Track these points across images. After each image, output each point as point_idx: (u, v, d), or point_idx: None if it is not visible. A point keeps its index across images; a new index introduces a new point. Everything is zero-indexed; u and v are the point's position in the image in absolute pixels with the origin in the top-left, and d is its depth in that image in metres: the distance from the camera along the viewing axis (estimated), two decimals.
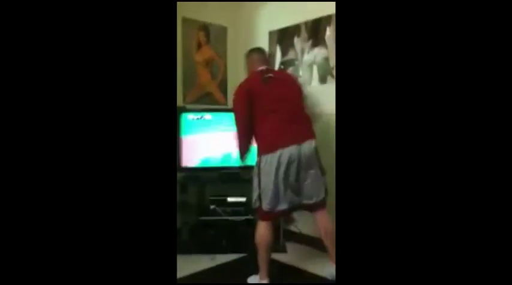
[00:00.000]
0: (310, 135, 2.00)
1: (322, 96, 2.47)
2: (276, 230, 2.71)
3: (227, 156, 2.73)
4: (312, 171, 1.96)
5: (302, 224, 2.67)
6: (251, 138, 2.03)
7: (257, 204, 2.01)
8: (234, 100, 2.08)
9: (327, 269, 2.12)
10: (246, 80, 2.12)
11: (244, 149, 2.06)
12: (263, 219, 2.01)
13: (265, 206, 1.96)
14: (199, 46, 3.05)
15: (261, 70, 2.10)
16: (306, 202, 2.00)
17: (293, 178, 1.93)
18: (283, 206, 1.96)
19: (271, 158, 1.91)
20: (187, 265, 2.38)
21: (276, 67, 2.88)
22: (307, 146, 1.94)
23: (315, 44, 2.61)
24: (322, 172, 2.02)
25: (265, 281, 2.02)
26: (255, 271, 2.10)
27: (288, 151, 1.88)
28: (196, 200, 2.84)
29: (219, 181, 2.74)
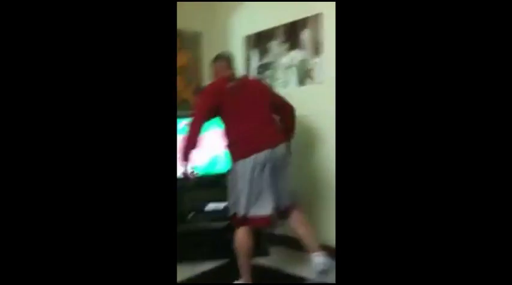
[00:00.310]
0: (281, 138, 2.02)
1: (301, 98, 2.46)
2: (257, 233, 2.64)
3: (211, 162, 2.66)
4: (285, 173, 2.00)
5: (284, 226, 2.60)
6: (198, 139, 1.94)
7: (232, 211, 1.98)
8: (199, 100, 2.04)
9: (314, 262, 1.96)
10: (214, 85, 2.09)
11: (190, 148, 1.94)
12: (239, 225, 1.97)
13: (241, 210, 1.92)
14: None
15: (228, 77, 2.08)
16: (285, 203, 1.99)
17: (268, 180, 1.91)
18: (264, 211, 1.90)
19: (246, 163, 1.90)
20: None
21: (254, 71, 2.87)
22: (280, 149, 1.97)
23: (292, 47, 2.62)
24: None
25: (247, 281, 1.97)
26: (238, 276, 2.03)
27: (262, 155, 1.89)
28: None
29: (198, 188, 2.65)
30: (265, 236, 2.62)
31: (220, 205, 2.64)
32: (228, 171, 2.02)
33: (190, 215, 2.58)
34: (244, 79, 2.22)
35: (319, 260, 1.89)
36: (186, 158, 1.95)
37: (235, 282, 2.05)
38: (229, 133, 1.98)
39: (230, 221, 2.06)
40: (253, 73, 2.88)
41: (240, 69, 2.92)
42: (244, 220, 1.93)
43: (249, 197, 1.90)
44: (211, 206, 2.65)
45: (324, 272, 1.88)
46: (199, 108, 1.99)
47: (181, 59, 3.03)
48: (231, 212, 2.00)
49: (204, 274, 2.29)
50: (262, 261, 2.42)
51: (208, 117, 1.96)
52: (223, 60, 2.20)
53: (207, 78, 3.11)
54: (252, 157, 1.88)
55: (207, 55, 3.11)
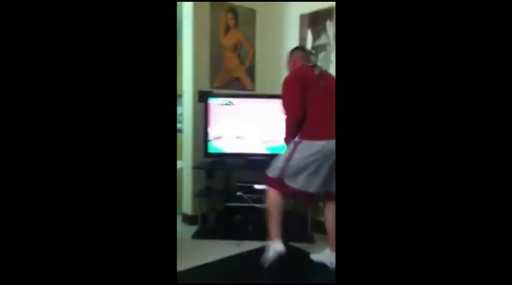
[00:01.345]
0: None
1: None
2: (304, 220, 2.69)
3: (255, 143, 2.70)
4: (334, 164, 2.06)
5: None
6: (301, 124, 2.06)
7: (276, 173, 2.05)
8: (286, 86, 2.09)
9: (327, 257, 2.19)
10: (298, 70, 2.14)
11: (293, 135, 2.08)
12: (278, 189, 2.06)
13: (291, 182, 2.02)
14: (227, 29, 2.99)
15: (311, 66, 2.15)
16: (332, 190, 2.08)
17: (325, 180, 2.02)
18: (311, 188, 2.02)
19: (314, 145, 1.98)
20: (214, 251, 2.38)
21: None
22: (334, 142, 2.02)
23: None
24: None
25: (279, 241, 2.07)
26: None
27: (328, 145, 1.96)
28: (223, 187, 2.83)
29: (246, 168, 2.72)
30: (310, 222, 2.66)
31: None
32: (290, 143, 2.08)
33: (239, 193, 2.66)
34: (324, 71, 2.26)
35: (332, 260, 2.13)
36: (289, 140, 2.10)
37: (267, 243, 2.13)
38: (306, 115, 2.05)
39: (265, 179, 2.15)
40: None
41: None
42: (286, 188, 2.03)
43: (305, 175, 1.99)
44: (259, 186, 2.71)
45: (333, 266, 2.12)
46: (288, 94, 2.06)
47: (235, 36, 3.03)
48: (273, 173, 2.08)
49: (249, 252, 2.39)
50: (307, 247, 2.47)
51: (302, 99, 2.02)
52: (300, 51, 2.29)
53: (259, 57, 3.09)
54: (324, 142, 1.96)
55: (261, 33, 3.08)
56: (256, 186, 2.71)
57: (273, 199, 2.10)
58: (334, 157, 2.00)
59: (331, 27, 2.63)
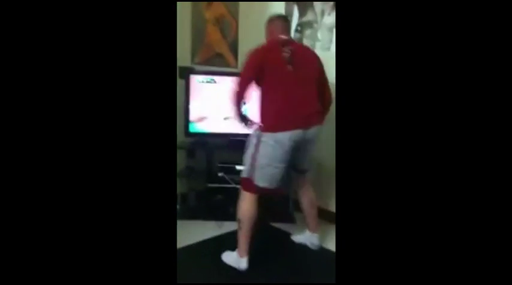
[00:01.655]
0: (318, 120, 1.96)
1: None
2: (284, 199, 2.67)
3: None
4: (309, 152, 2.03)
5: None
6: (242, 102, 1.98)
7: (245, 175, 1.95)
8: (247, 60, 1.95)
9: (308, 238, 2.21)
10: (265, 50, 1.95)
11: (239, 102, 1.97)
12: (250, 191, 1.93)
13: (260, 182, 1.90)
14: (209, 2, 2.83)
15: (282, 41, 1.96)
16: (303, 167, 2.08)
17: (293, 160, 1.95)
18: (282, 183, 1.97)
19: (279, 138, 1.84)
20: (195, 232, 2.35)
21: (292, 29, 2.69)
22: (312, 132, 1.93)
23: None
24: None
25: (244, 259, 1.95)
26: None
27: (295, 135, 1.85)
28: (204, 167, 2.76)
29: (228, 148, 2.65)
30: (291, 202, 2.65)
31: None
32: (253, 136, 1.95)
33: (220, 174, 2.61)
34: (298, 46, 2.09)
35: (313, 241, 2.20)
36: (238, 111, 2.00)
37: (226, 252, 2.05)
38: (267, 102, 1.90)
39: (240, 183, 2.04)
40: (291, 32, 2.70)
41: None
42: (258, 188, 1.92)
43: (273, 174, 1.89)
44: (241, 167, 2.66)
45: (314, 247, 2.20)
46: (246, 67, 1.93)
47: (218, 9, 2.88)
48: (244, 175, 1.97)
49: (231, 234, 2.36)
50: (286, 228, 2.47)
51: (253, 78, 1.90)
52: (280, 20, 2.06)
53: (243, 32, 2.96)
54: (287, 133, 1.83)
55: (245, 7, 2.93)
56: (238, 167, 2.65)
57: (246, 208, 1.93)
58: (304, 145, 1.93)
59: (318, 3, 2.52)
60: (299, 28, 2.66)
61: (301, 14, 2.63)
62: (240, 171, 2.63)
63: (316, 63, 2.01)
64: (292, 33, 2.70)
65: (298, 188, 2.20)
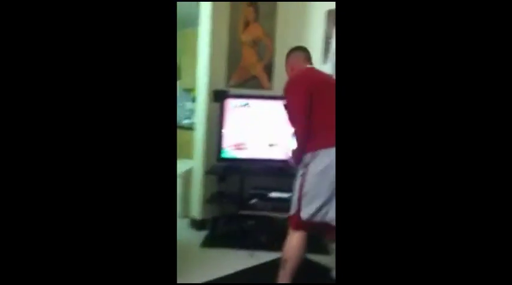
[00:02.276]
0: None
1: None
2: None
3: (272, 147, 2.54)
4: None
5: None
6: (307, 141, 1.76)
7: (293, 211, 1.77)
8: (291, 94, 1.81)
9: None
10: (302, 75, 1.87)
11: (301, 153, 1.78)
12: (298, 228, 1.76)
13: (306, 213, 1.70)
14: (246, 24, 2.80)
15: (310, 68, 1.92)
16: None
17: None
18: (332, 215, 1.70)
19: (324, 155, 1.66)
20: (225, 262, 2.25)
21: (333, 52, 2.61)
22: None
23: None
24: None
25: None
26: (297, 272, 1.87)
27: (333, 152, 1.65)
28: (236, 192, 2.68)
29: (262, 174, 2.56)
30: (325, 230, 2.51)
31: (285, 195, 2.54)
32: (299, 172, 1.81)
33: (253, 201, 2.51)
34: (325, 75, 1.99)
35: None
36: (298, 162, 1.81)
37: None
38: (310, 124, 1.74)
39: (288, 221, 1.86)
40: (330, 55, 2.62)
41: (319, 48, 2.68)
42: (306, 223, 1.72)
43: (322, 198, 1.68)
44: (275, 194, 2.56)
45: None
46: (294, 105, 1.77)
47: (255, 31, 2.84)
48: (291, 213, 1.81)
49: (263, 265, 2.25)
50: (320, 259, 2.32)
51: (308, 111, 1.72)
52: (300, 51, 2.00)
53: (279, 55, 2.90)
54: (332, 149, 1.63)
55: (281, 29, 2.88)
56: (272, 194, 2.55)
57: (294, 244, 1.76)
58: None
59: None
60: None
61: None
62: (273, 198, 2.54)
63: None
64: (333, 57, 2.62)
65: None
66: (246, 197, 2.58)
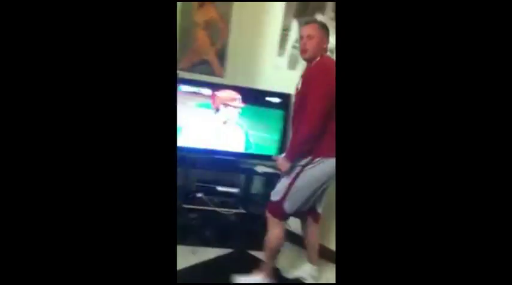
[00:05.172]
0: None
1: None
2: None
3: (223, 140, 2.41)
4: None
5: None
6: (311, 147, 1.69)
7: (277, 198, 1.78)
8: (321, 85, 1.59)
9: (306, 271, 2.05)
10: (334, 66, 1.60)
11: (300, 155, 1.71)
12: (279, 217, 1.81)
13: (290, 208, 1.78)
14: (201, 4, 2.59)
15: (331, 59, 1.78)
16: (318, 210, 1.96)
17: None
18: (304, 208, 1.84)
19: (324, 165, 1.69)
20: None
21: (290, 45, 2.53)
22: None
23: None
24: None
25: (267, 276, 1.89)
26: (244, 270, 1.93)
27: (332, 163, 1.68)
28: (180, 185, 2.51)
29: (210, 167, 2.43)
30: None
31: (233, 190, 2.45)
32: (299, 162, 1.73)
33: (199, 195, 2.38)
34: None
35: (313, 274, 2.02)
36: (292, 159, 1.71)
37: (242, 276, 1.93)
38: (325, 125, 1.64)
39: (267, 208, 1.85)
40: (287, 47, 2.54)
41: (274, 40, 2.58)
42: (287, 214, 1.81)
43: (305, 200, 1.78)
44: (222, 189, 2.45)
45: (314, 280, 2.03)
46: (322, 104, 1.59)
47: (210, 12, 2.64)
48: (273, 199, 1.81)
49: (208, 263, 2.14)
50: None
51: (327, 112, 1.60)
52: (324, 27, 1.74)
53: (234, 38, 2.73)
54: (331, 160, 1.66)
55: (238, 12, 2.71)
56: (220, 188, 2.44)
57: (276, 234, 1.82)
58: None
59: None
60: (297, 45, 2.49)
61: None
62: (221, 192, 2.43)
63: None
64: (289, 49, 2.54)
65: (304, 221, 2.04)
66: (191, 189, 2.44)
